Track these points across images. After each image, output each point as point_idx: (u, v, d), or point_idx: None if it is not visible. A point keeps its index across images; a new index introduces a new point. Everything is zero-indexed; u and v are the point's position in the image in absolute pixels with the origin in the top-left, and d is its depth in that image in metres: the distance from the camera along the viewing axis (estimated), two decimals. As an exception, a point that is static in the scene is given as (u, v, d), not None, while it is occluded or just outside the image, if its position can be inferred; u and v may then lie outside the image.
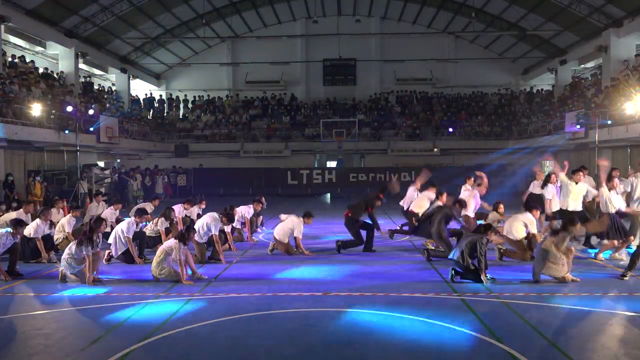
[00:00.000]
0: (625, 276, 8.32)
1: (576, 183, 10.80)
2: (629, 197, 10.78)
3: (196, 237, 9.80)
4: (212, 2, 30.91)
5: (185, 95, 37.31)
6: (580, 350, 5.46)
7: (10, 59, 23.00)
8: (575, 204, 10.78)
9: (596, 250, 10.36)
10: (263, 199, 14.09)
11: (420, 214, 11.72)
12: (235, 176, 29.82)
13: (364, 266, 9.83)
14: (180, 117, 35.85)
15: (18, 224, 9.13)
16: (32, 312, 7.00)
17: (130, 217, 10.80)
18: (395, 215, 16.45)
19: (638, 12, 23.57)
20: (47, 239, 10.62)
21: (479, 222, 11.18)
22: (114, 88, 33.03)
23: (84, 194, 20.31)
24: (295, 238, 10.78)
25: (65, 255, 8.53)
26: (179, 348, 5.61)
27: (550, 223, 11.24)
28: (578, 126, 22.69)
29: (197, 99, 36.97)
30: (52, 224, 10.91)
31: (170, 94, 37.76)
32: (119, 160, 29.12)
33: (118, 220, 11.77)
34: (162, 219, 11.46)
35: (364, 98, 36.31)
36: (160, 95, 37.39)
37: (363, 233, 11.26)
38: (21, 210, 11.99)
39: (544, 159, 25.30)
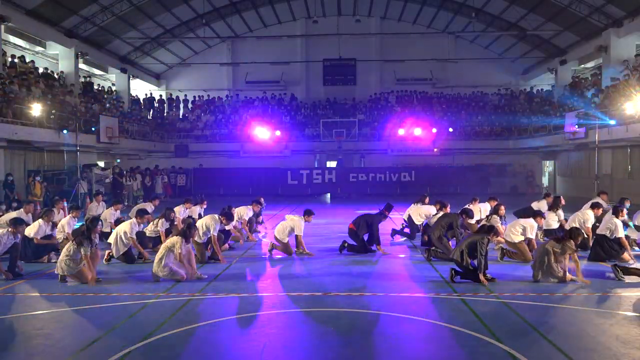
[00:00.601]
0: (619, 272, 8.34)
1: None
2: None
3: (196, 238, 9.81)
4: (212, 2, 30.92)
5: (185, 95, 37.30)
6: (580, 350, 5.46)
7: (10, 59, 23.00)
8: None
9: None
10: (262, 199, 14.08)
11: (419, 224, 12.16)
12: (235, 176, 29.81)
13: (364, 266, 9.84)
14: (180, 117, 35.84)
15: (17, 222, 9.14)
16: (32, 312, 6.99)
17: (131, 218, 10.83)
18: (395, 218, 16.44)
19: (638, 12, 23.57)
20: (49, 239, 10.65)
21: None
22: (114, 88, 33.05)
23: (84, 194, 20.32)
24: (296, 236, 10.77)
25: (62, 256, 8.50)
26: (179, 348, 5.61)
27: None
28: (577, 126, 22.68)
29: (197, 99, 36.97)
30: (55, 225, 10.94)
31: (170, 94, 37.76)
32: (119, 160, 29.12)
33: (118, 221, 11.79)
34: (163, 219, 11.47)
35: (364, 98, 36.31)
36: (160, 95, 37.39)
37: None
38: (21, 210, 12.02)
39: None
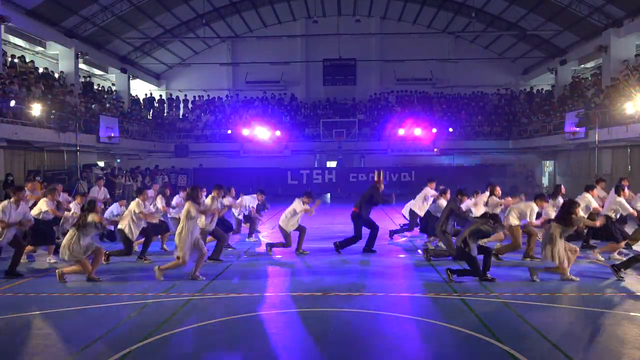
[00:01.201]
0: (618, 272, 8.33)
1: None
2: None
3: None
4: (212, 2, 30.89)
5: (185, 95, 37.28)
6: (580, 350, 5.46)
7: (10, 59, 22.99)
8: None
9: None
10: (264, 190, 14.33)
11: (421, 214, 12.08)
12: (235, 176, 29.77)
13: (364, 266, 9.84)
14: (180, 117, 35.84)
15: (17, 189, 8.99)
16: (32, 312, 7.00)
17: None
18: (394, 216, 16.44)
19: (638, 12, 23.55)
20: (54, 221, 10.90)
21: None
22: (114, 88, 33.03)
23: (84, 193, 20.29)
24: (294, 210, 10.81)
25: (66, 241, 8.39)
26: (179, 348, 5.61)
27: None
28: (577, 127, 22.67)
29: (197, 99, 36.97)
30: (59, 204, 10.96)
31: (170, 94, 37.73)
32: (119, 160, 29.12)
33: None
34: (160, 196, 12.10)
35: (364, 98, 36.31)
36: (160, 95, 37.37)
37: (366, 232, 11.27)
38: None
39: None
